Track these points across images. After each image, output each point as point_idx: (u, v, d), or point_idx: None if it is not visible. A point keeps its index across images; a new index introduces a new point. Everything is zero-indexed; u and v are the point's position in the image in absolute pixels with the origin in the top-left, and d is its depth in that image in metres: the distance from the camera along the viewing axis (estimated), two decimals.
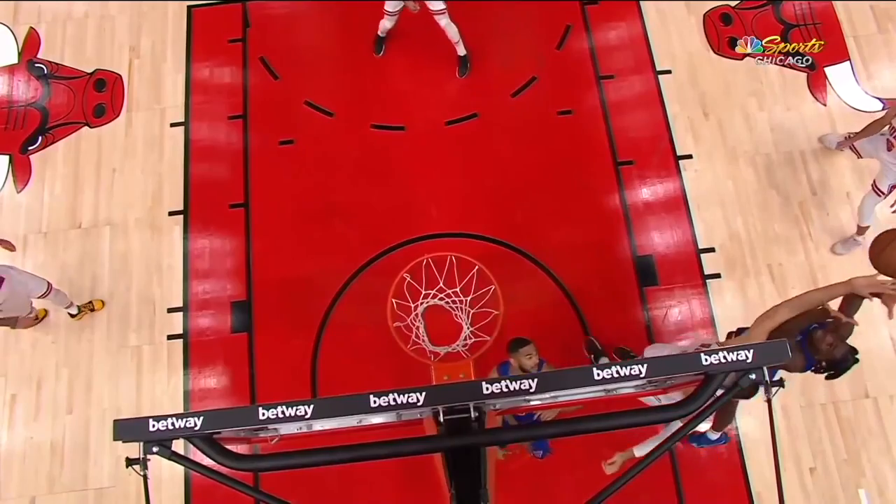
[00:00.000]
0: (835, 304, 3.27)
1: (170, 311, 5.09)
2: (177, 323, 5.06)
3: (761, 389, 2.02)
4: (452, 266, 4.82)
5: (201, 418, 1.97)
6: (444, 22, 5.22)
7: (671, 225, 5.25)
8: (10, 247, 4.43)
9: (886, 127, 4.40)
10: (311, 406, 1.99)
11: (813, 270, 5.07)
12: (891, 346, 4.91)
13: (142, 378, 4.94)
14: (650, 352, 4.43)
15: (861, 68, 5.65)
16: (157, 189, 5.41)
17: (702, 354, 2.00)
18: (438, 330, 4.86)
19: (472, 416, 2.12)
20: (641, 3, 5.88)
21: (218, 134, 5.57)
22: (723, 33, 5.79)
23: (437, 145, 5.48)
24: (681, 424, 2.19)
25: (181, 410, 4.74)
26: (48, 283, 4.65)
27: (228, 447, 2.09)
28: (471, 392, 2.07)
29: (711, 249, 5.18)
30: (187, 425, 1.96)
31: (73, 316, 4.98)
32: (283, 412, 1.98)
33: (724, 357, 1.98)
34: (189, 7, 5.95)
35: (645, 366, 2.01)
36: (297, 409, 1.98)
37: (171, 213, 5.33)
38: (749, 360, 1.98)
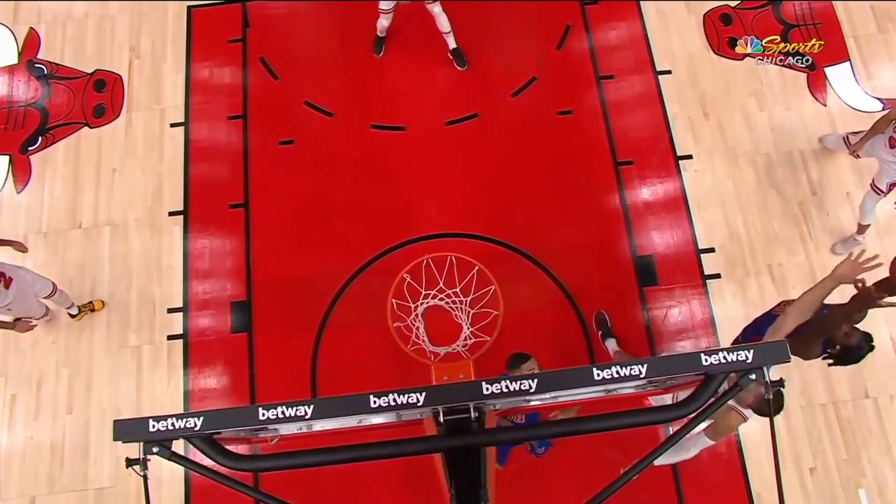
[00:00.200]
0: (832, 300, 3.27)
1: (170, 311, 5.09)
2: (177, 323, 5.06)
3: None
4: (452, 266, 4.82)
5: (201, 418, 1.97)
6: (436, 10, 5.19)
7: (671, 225, 5.26)
8: (21, 248, 4.44)
9: (891, 124, 4.41)
10: (311, 406, 1.98)
11: (813, 270, 5.07)
12: (891, 346, 4.91)
13: (142, 378, 4.94)
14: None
15: (861, 68, 5.65)
16: (157, 189, 5.41)
17: (702, 354, 2.00)
18: (438, 330, 4.86)
19: (472, 416, 2.12)
20: (641, 3, 5.88)
21: (218, 134, 5.57)
22: (723, 33, 5.79)
23: (437, 145, 5.48)
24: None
25: (181, 410, 4.74)
26: (53, 283, 4.66)
27: (228, 447, 2.09)
28: (471, 392, 2.06)
29: (711, 249, 5.18)
30: (187, 425, 1.96)
31: (73, 316, 4.98)
32: (283, 412, 1.98)
33: (724, 357, 1.98)
34: (189, 7, 5.95)
35: (645, 366, 2.01)
36: (297, 410, 1.98)
37: (171, 213, 5.33)
38: (749, 360, 1.98)
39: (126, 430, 1.96)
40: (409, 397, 1.98)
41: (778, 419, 3.30)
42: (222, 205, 5.34)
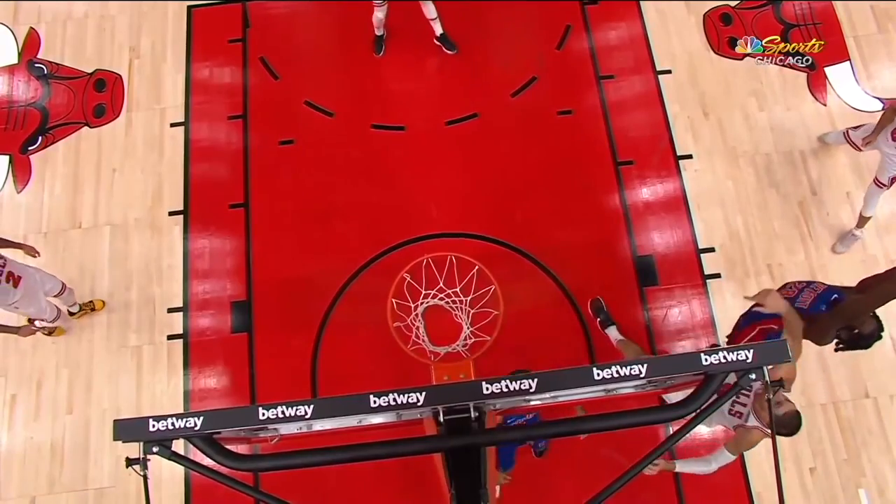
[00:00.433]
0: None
1: (170, 311, 5.09)
2: (177, 323, 5.06)
3: None
4: (452, 266, 4.82)
5: (201, 418, 1.97)
6: None
7: (671, 225, 5.25)
8: (32, 252, 4.44)
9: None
10: (311, 406, 1.98)
11: (813, 270, 5.07)
12: (891, 346, 4.91)
13: (142, 378, 4.94)
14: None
15: (861, 68, 5.65)
16: (157, 189, 5.41)
17: (702, 354, 2.00)
18: (438, 330, 4.86)
19: (472, 416, 2.12)
20: (641, 3, 5.88)
21: (218, 134, 5.57)
22: (723, 33, 5.79)
23: (437, 145, 5.47)
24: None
25: (181, 410, 4.73)
26: (63, 283, 4.66)
27: (228, 447, 2.09)
28: (471, 392, 2.06)
29: (711, 249, 5.18)
30: (187, 425, 1.96)
31: (72, 314, 4.98)
32: (283, 412, 1.98)
33: (724, 357, 1.98)
34: (189, 7, 5.94)
35: (645, 366, 2.01)
36: (297, 409, 1.98)
37: (171, 213, 5.33)
38: (749, 360, 1.98)
39: (126, 429, 1.97)
40: (409, 397, 1.99)
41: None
42: (222, 205, 5.34)
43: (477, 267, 4.70)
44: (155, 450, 1.97)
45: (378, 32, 5.61)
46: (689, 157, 5.43)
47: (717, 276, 5.10)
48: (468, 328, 4.77)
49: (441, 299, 4.84)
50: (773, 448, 2.05)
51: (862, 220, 4.97)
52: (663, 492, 4.62)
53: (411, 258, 4.83)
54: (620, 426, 2.10)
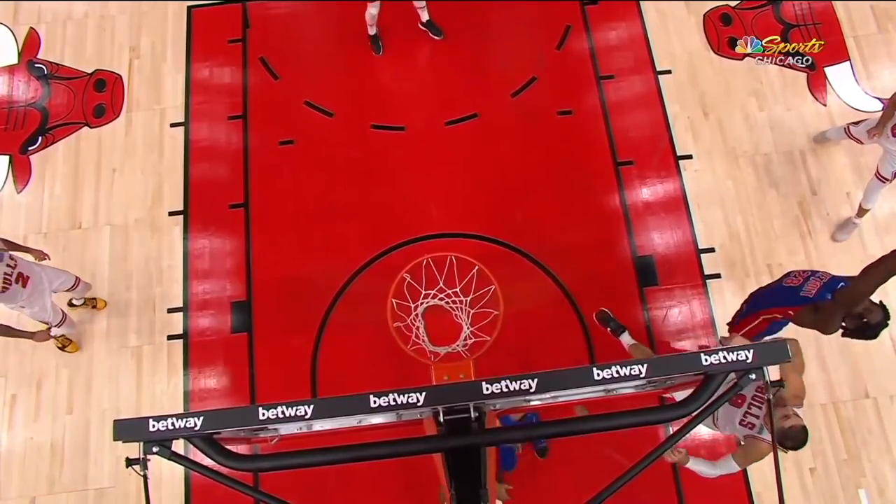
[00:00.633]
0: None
1: (170, 311, 5.09)
2: (177, 323, 5.06)
3: None
4: (452, 266, 4.82)
5: (201, 418, 1.97)
6: None
7: (671, 225, 5.26)
8: (43, 256, 4.44)
9: None
10: (311, 406, 1.98)
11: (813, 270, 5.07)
12: (891, 345, 4.91)
13: (142, 378, 4.94)
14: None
15: (861, 68, 5.65)
16: (157, 189, 5.41)
17: (702, 354, 2.00)
18: (438, 330, 4.86)
19: (472, 416, 2.12)
20: (641, 3, 5.88)
21: (218, 134, 5.57)
22: (723, 33, 5.79)
23: (437, 145, 5.47)
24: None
25: (181, 410, 4.74)
26: (76, 277, 4.67)
27: (228, 447, 2.09)
28: (471, 392, 2.06)
29: (711, 249, 5.18)
30: (187, 425, 1.96)
31: (73, 305, 4.98)
32: (283, 412, 1.98)
33: (724, 357, 1.98)
34: (189, 7, 5.94)
35: (645, 366, 2.01)
36: (297, 410, 1.98)
37: (171, 213, 5.33)
38: (749, 360, 1.98)
39: (126, 429, 1.97)
40: (409, 397, 1.99)
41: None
42: (222, 205, 5.34)
43: (477, 267, 4.69)
44: (155, 450, 1.97)
45: (371, 31, 5.59)
46: (689, 157, 5.43)
47: (717, 276, 5.10)
48: (468, 328, 4.77)
49: (441, 299, 4.84)
50: (773, 448, 2.05)
51: (861, 212, 4.99)
52: (663, 492, 4.61)
53: (411, 258, 4.83)
54: (620, 426, 2.10)
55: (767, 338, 4.02)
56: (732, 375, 2.02)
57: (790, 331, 4.02)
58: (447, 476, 2.23)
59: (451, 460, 2.21)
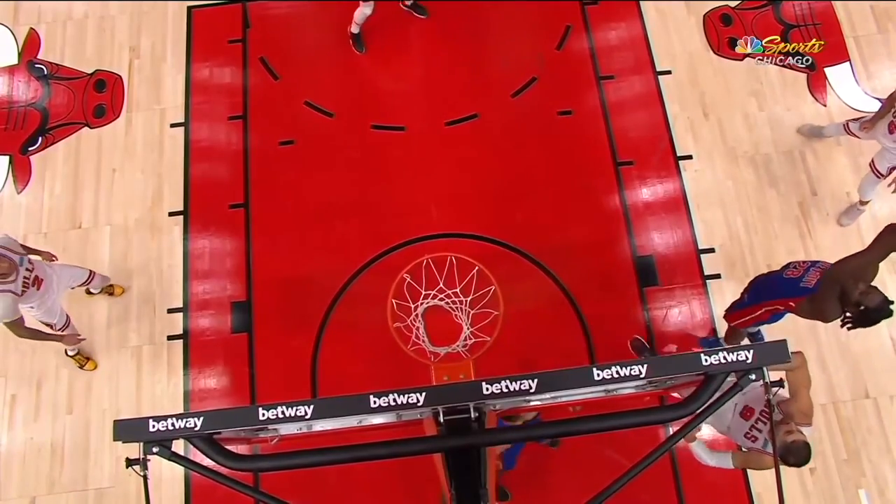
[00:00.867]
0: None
1: (170, 311, 5.09)
2: (177, 323, 5.06)
3: None
4: (452, 266, 4.82)
5: (201, 418, 1.97)
6: None
7: (671, 225, 5.25)
8: (52, 257, 4.44)
9: (892, 110, 4.41)
10: (311, 406, 1.99)
11: None
12: (891, 345, 4.91)
13: (142, 378, 4.94)
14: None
15: (861, 68, 5.65)
16: (157, 189, 5.41)
17: (702, 354, 2.00)
18: (438, 330, 4.86)
19: (472, 416, 2.12)
20: (641, 3, 5.88)
21: (218, 134, 5.57)
22: (723, 33, 5.79)
23: (437, 145, 5.47)
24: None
25: (181, 410, 4.74)
26: (90, 271, 4.68)
27: (228, 447, 2.09)
28: (471, 392, 2.07)
29: (711, 250, 5.17)
30: (187, 425, 1.96)
31: (90, 293, 5.01)
32: (283, 412, 1.98)
33: (725, 357, 1.98)
34: (189, 7, 5.94)
35: (645, 366, 2.01)
36: (297, 410, 1.98)
37: (171, 214, 5.33)
38: (749, 361, 1.98)
39: (126, 430, 1.97)
40: (409, 397, 1.99)
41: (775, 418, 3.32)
42: (222, 205, 5.34)
43: (477, 267, 4.70)
44: (155, 450, 1.97)
45: (355, 30, 5.56)
46: (689, 157, 5.43)
47: (717, 276, 5.10)
48: (468, 328, 4.77)
49: (441, 300, 4.84)
50: (774, 448, 2.05)
51: (862, 204, 5.00)
52: (663, 492, 4.61)
53: (411, 258, 4.83)
54: (620, 426, 2.10)
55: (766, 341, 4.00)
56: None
57: (789, 328, 4.01)
58: (447, 476, 2.23)
59: (451, 460, 2.22)
